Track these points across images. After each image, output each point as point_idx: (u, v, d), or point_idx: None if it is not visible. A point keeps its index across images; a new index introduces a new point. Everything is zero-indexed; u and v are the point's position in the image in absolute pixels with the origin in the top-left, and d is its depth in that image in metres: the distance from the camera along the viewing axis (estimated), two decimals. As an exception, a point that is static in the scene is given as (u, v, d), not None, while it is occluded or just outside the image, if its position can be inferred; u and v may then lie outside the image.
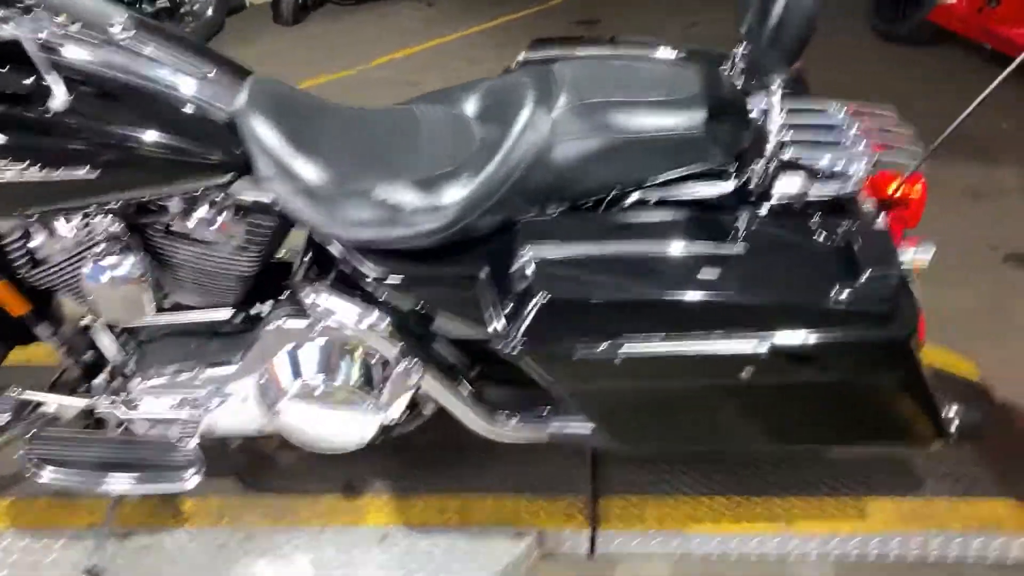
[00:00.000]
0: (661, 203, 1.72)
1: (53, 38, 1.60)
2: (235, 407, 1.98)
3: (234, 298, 1.95)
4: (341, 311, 1.82)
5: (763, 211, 1.70)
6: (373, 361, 1.88)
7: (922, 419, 1.75)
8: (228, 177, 1.76)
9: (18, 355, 2.02)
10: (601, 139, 1.64)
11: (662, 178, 1.69)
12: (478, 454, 2.25)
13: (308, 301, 1.83)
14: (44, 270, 1.79)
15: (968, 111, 1.63)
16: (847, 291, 1.53)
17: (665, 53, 1.98)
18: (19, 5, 1.62)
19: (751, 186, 1.68)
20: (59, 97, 1.58)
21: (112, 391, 2.00)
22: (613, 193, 1.71)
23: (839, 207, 1.77)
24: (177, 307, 1.99)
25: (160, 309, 1.97)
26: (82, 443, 2.00)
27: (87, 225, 1.75)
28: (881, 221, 1.83)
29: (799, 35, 1.52)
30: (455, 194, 1.69)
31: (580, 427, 1.87)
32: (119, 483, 1.98)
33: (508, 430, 1.93)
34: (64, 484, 1.97)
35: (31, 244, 1.76)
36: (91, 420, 2.05)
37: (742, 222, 1.63)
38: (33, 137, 1.60)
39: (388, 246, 1.74)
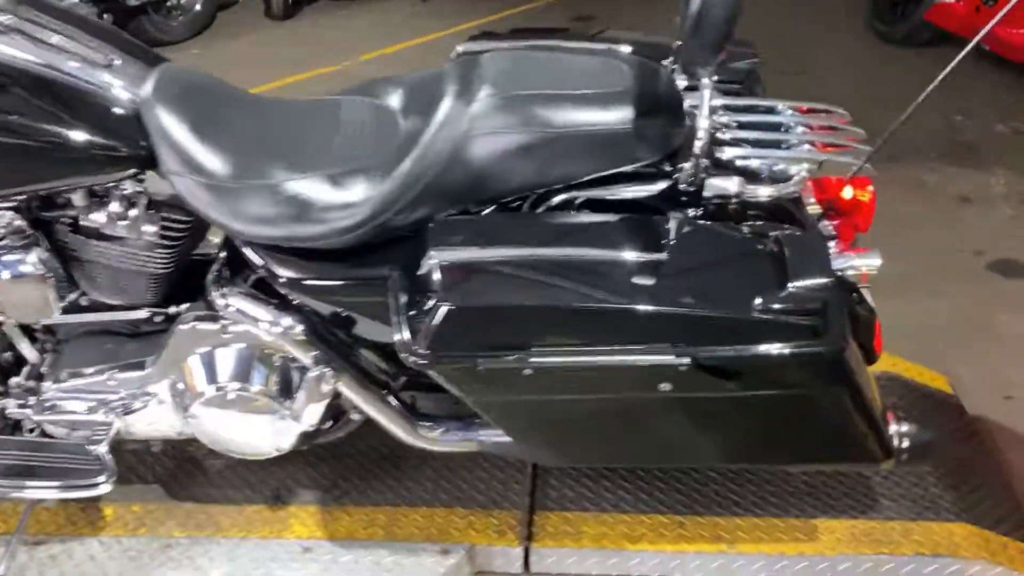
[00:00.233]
0: (587, 204, 1.63)
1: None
2: (151, 410, 1.89)
3: (152, 297, 1.86)
4: (252, 314, 1.73)
5: (693, 214, 1.61)
6: (290, 367, 1.79)
7: (864, 438, 1.63)
8: (131, 171, 1.68)
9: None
10: (520, 134, 1.54)
11: (588, 177, 1.59)
12: (415, 464, 2.16)
13: (219, 303, 1.74)
14: None
15: (910, 109, 1.53)
16: (772, 301, 1.42)
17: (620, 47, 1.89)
18: None
19: (680, 187, 1.58)
20: None
21: (25, 392, 1.92)
22: (537, 193, 1.62)
23: (780, 211, 1.67)
24: (95, 306, 1.91)
25: (78, 308, 1.90)
26: (-6, 446, 1.92)
27: None
28: (822, 226, 1.74)
29: (720, 24, 1.41)
30: (368, 191, 1.59)
31: (508, 438, 1.77)
32: (30, 488, 1.89)
33: (434, 439, 1.83)
34: (-27, 489, 1.89)
35: None
36: (7, 422, 1.97)
37: (668, 226, 1.52)
38: None
39: (299, 245, 1.65)
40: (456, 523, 2.02)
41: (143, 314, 1.89)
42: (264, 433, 1.82)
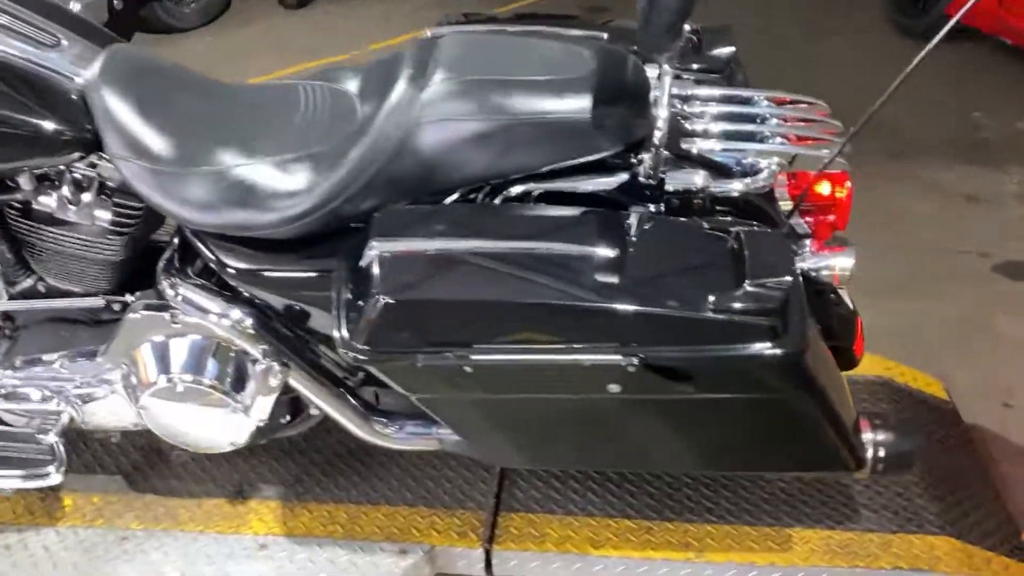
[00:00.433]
0: (546, 197, 1.56)
1: None
2: (106, 400, 1.86)
3: (106, 284, 1.82)
4: (201, 305, 1.68)
5: (654, 209, 1.53)
6: (241, 360, 1.74)
7: (831, 446, 1.55)
8: (76, 154, 1.63)
9: None
10: (473, 122, 1.48)
11: (545, 168, 1.52)
12: (382, 462, 2.10)
13: (168, 293, 1.69)
14: None
15: (884, 97, 1.43)
16: (726, 300, 1.34)
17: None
18: None
19: (640, 180, 1.51)
20: None
21: None
22: (493, 184, 1.56)
23: (750, 206, 1.59)
24: (52, 292, 1.87)
25: (35, 294, 1.86)
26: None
27: None
28: (796, 223, 1.66)
29: (673, 8, 1.34)
30: (316, 178, 1.54)
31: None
32: (-18, 477, 1.86)
33: (390, 436, 1.78)
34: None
35: None
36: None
37: (622, 220, 1.45)
38: None
39: (246, 234, 1.59)
40: (418, 523, 1.96)
41: (98, 302, 1.84)
42: (216, 426, 1.77)
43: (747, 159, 1.56)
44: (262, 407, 1.73)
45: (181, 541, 1.94)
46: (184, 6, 5.64)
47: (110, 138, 1.59)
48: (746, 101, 1.69)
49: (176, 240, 1.74)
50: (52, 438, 1.82)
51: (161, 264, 1.72)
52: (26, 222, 1.74)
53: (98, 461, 2.14)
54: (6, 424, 1.92)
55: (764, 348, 1.35)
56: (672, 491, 2.01)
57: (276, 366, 1.68)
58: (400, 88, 1.51)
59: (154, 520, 1.99)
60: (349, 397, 1.76)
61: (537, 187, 1.55)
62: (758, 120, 1.65)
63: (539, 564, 1.92)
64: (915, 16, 4.89)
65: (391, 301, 1.36)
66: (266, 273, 1.64)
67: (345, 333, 1.41)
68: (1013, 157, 3.70)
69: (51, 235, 1.74)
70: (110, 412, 1.87)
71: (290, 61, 4.82)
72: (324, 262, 1.59)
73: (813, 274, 1.61)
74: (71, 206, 1.71)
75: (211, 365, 1.72)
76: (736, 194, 1.55)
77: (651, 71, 1.62)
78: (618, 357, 1.36)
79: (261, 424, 1.76)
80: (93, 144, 1.62)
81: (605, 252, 1.38)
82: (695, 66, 1.81)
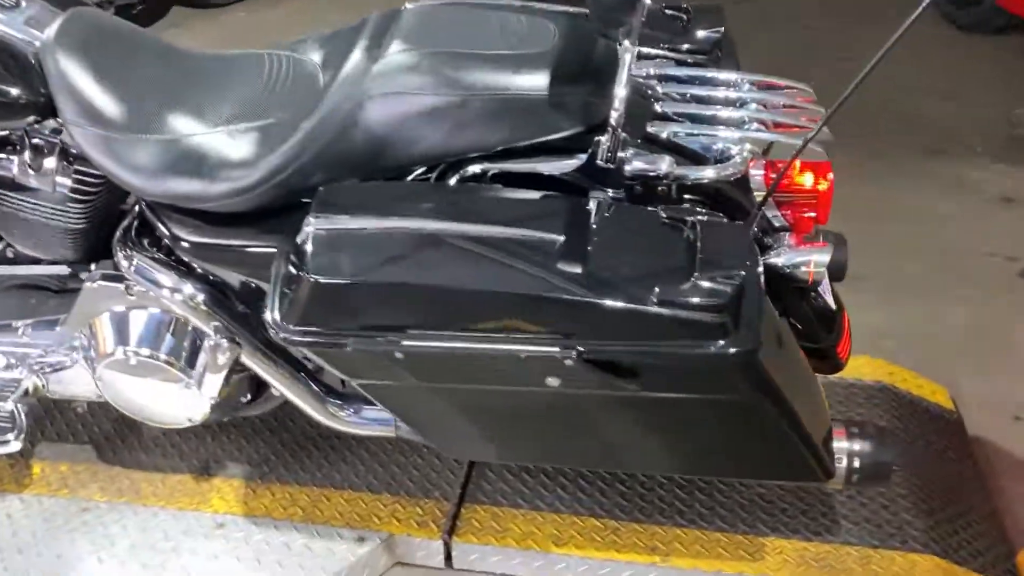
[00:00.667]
0: (504, 178, 1.49)
1: None
2: (69, 369, 1.84)
3: (71, 253, 1.80)
4: (154, 278, 1.65)
5: (613, 195, 1.45)
6: (195, 335, 1.70)
7: (793, 454, 1.46)
8: (30, 118, 1.60)
9: None
10: (426, 96, 1.41)
11: (499, 147, 1.45)
12: (351, 447, 2.07)
13: (123, 264, 1.66)
14: None
15: (858, 79, 1.32)
16: (673, 294, 1.25)
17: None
18: None
19: (598, 163, 1.43)
20: None
21: None
22: (447, 163, 1.49)
23: (720, 195, 1.50)
24: (20, 258, 1.85)
25: (3, 260, 1.85)
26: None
27: None
28: (773, 215, 1.57)
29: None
30: (265, 150, 1.49)
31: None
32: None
33: (346, 420, 1.73)
34: None
35: None
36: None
37: (571, 205, 1.37)
38: None
39: (197, 205, 1.55)
40: (379, 510, 1.92)
41: (63, 270, 1.82)
42: (170, 401, 1.74)
43: (717, 145, 1.47)
44: (213, 384, 1.69)
45: (141, 515, 1.92)
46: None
47: (63, 102, 1.56)
48: (727, 84, 1.60)
49: (136, 210, 1.70)
50: (11, 405, 1.81)
51: (118, 234, 1.69)
52: None
53: (71, 430, 2.13)
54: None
55: (712, 346, 1.26)
56: (645, 491, 1.94)
57: (225, 343, 1.65)
58: (354, 59, 1.46)
59: (117, 493, 1.97)
60: (307, 379, 1.72)
61: (493, 167, 1.48)
62: (737, 104, 1.56)
63: (500, 559, 1.86)
64: (965, 6, 4.68)
65: (321, 281, 1.30)
66: (218, 248, 1.60)
67: (276, 313, 1.36)
68: (1056, 157, 3.51)
69: (14, 201, 1.72)
70: (72, 382, 1.86)
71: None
72: (275, 238, 1.55)
73: (788, 270, 1.52)
74: (32, 172, 1.68)
75: (165, 339, 1.69)
76: (705, 182, 1.46)
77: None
78: (555, 349, 1.28)
79: (214, 401, 1.72)
80: (47, 108, 1.59)
81: (548, 238, 1.31)
82: (686, 46, 1.72)
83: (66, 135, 1.69)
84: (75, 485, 1.99)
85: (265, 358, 1.68)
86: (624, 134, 1.41)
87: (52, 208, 1.72)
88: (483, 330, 1.30)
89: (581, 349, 1.28)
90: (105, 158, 1.56)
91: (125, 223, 1.70)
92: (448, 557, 1.88)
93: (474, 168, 1.48)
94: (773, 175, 1.56)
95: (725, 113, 1.52)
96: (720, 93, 1.57)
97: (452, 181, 1.49)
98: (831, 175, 1.58)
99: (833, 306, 1.68)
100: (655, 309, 1.26)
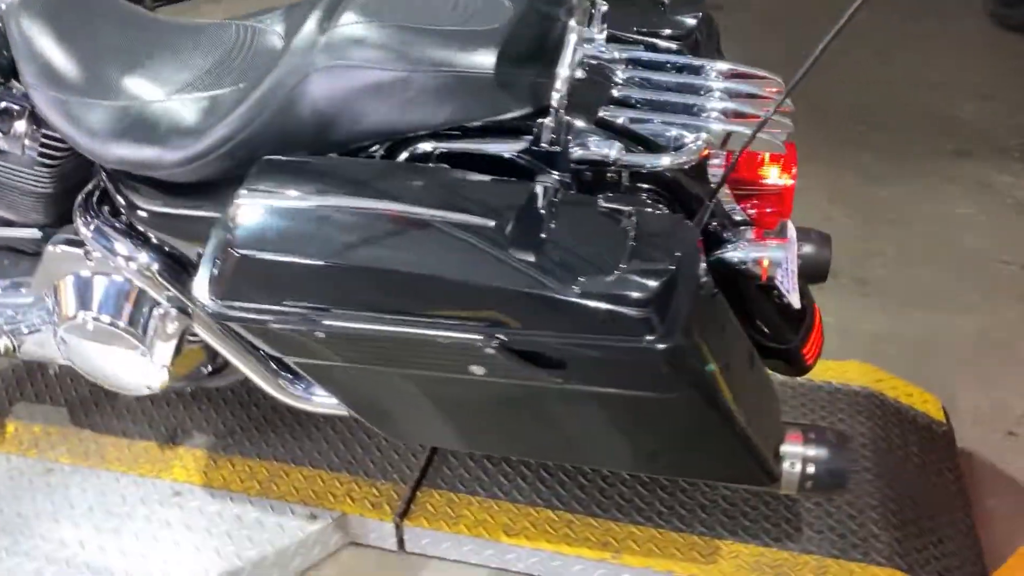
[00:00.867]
0: (452, 158, 1.45)
1: None
2: (38, 332, 1.86)
3: (44, 216, 1.81)
4: (109, 245, 1.65)
5: (559, 179, 1.41)
6: (150, 303, 1.71)
7: (732, 456, 1.41)
8: (-8, 82, 1.62)
9: None
10: (369, 70, 1.39)
11: (446, 126, 1.42)
12: (319, 424, 2.06)
13: (82, 230, 1.67)
14: None
15: (807, 65, 1.26)
16: (595, 286, 1.21)
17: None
18: None
19: (542, 146, 1.39)
20: None
21: None
22: (395, 140, 1.46)
23: (673, 185, 1.45)
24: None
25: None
26: None
27: None
28: (731, 209, 1.52)
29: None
30: (214, 120, 1.48)
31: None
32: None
33: (296, 396, 1.71)
34: None
35: None
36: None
37: (513, 190, 1.34)
38: None
39: (149, 172, 1.55)
40: (336, 489, 1.91)
41: (35, 233, 1.84)
42: (126, 368, 1.75)
43: (671, 132, 1.42)
44: (164, 353, 1.70)
45: (103, 479, 1.94)
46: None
47: (24, 65, 1.57)
48: (694, 71, 1.55)
49: (99, 176, 1.71)
50: (-26, 365, 1.84)
51: (79, 199, 1.70)
52: None
53: (50, 392, 2.16)
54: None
55: (635, 341, 1.22)
56: (606, 486, 1.90)
57: (175, 313, 1.64)
58: (306, 30, 1.44)
59: (84, 456, 2.00)
60: (259, 351, 1.71)
61: (442, 147, 1.45)
62: (702, 92, 1.50)
63: (451, 545, 1.84)
64: (1013, 6, 4.50)
65: (244, 254, 1.29)
66: (171, 217, 1.59)
67: (203, 286, 1.35)
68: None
69: (-16, 164, 1.74)
70: (42, 345, 1.88)
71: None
72: (214, 209, 1.54)
73: (742, 266, 1.47)
74: (1, 135, 1.70)
75: (120, 306, 1.70)
76: (656, 170, 1.41)
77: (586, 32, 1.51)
78: (476, 336, 1.25)
79: (167, 369, 1.73)
80: (9, 71, 1.60)
81: (477, 222, 1.27)
82: (662, 31, 1.67)
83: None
84: (44, 446, 2.02)
85: (216, 329, 1.68)
86: (572, 117, 1.38)
87: (21, 172, 1.73)
88: (405, 313, 1.27)
89: (503, 338, 1.25)
90: (63, 122, 1.56)
91: (88, 188, 1.71)
92: (401, 540, 1.87)
93: (424, 146, 1.46)
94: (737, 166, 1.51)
95: (684, 101, 1.47)
96: (684, 80, 1.52)
97: (401, 159, 1.47)
98: (794, 169, 1.53)
99: (797, 306, 1.61)
100: (578, 300, 1.21)
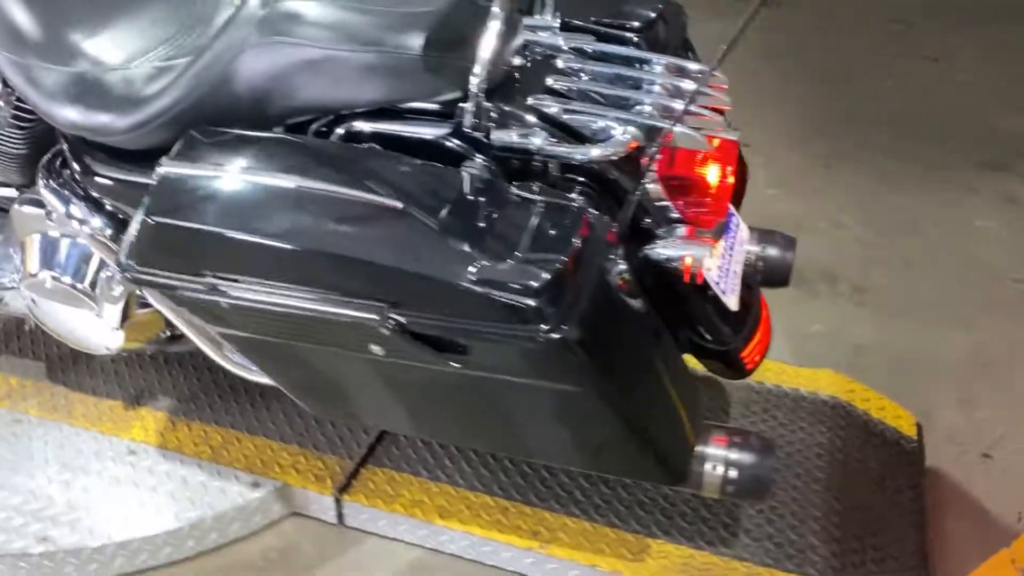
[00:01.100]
0: (379, 138, 1.46)
1: None
2: (13, 288, 1.93)
3: (19, 176, 1.87)
4: (64, 208, 1.70)
5: (481, 165, 1.40)
6: (102, 267, 1.76)
7: (634, 453, 1.40)
8: (-39, 45, 1.67)
9: None
10: (300, 46, 1.40)
11: (375, 106, 1.43)
12: (280, 396, 2.05)
13: (43, 193, 1.73)
14: None
15: (718, 59, 1.23)
16: (487, 273, 1.21)
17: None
18: None
19: (464, 131, 1.39)
20: None
21: None
22: (326, 119, 1.48)
23: (600, 178, 1.44)
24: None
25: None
26: None
27: None
28: (660, 205, 1.49)
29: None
30: (159, 88, 1.52)
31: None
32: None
33: (241, 365, 1.75)
34: None
35: None
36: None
37: (426, 173, 1.34)
38: None
39: (98, 138, 1.59)
40: (283, 460, 1.94)
41: (12, 192, 1.91)
42: (83, 328, 1.81)
43: (598, 124, 1.41)
44: (111, 314, 1.75)
45: (65, 434, 2.01)
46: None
47: (-11, 29, 1.63)
48: (639, 63, 1.53)
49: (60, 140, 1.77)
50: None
51: (43, 161, 1.75)
52: None
53: (34, 346, 2.24)
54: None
55: (524, 331, 1.21)
56: (547, 476, 1.89)
57: (118, 276, 1.69)
58: (250, 5, 1.46)
59: (52, 410, 2.07)
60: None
61: (373, 127, 1.46)
62: (644, 86, 1.48)
63: (387, 523, 1.86)
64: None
65: (155, 221, 1.32)
66: (120, 183, 1.63)
67: (124, 251, 1.38)
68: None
69: (-39, 123, 1.81)
70: (15, 300, 1.95)
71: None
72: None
73: (666, 264, 1.45)
74: (-23, 94, 1.77)
75: (76, 266, 1.76)
76: (580, 161, 1.40)
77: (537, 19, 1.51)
78: (372, 316, 1.26)
79: (122, 331, 1.78)
80: (-25, 35, 1.66)
81: (381, 203, 1.28)
82: (619, 22, 1.65)
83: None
84: (17, 398, 2.10)
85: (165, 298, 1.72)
86: (502, 104, 1.37)
87: (-4, 132, 1.80)
88: (304, 287, 1.29)
89: (399, 319, 1.26)
90: (25, 85, 1.61)
91: (52, 151, 1.76)
92: (340, 515, 1.90)
93: (360, 125, 1.47)
94: (672, 162, 1.49)
95: (617, 93, 1.45)
96: (623, 72, 1.50)
97: (336, 137, 1.48)
98: (730, 168, 1.50)
99: (734, 308, 1.59)
100: (471, 287, 1.22)
